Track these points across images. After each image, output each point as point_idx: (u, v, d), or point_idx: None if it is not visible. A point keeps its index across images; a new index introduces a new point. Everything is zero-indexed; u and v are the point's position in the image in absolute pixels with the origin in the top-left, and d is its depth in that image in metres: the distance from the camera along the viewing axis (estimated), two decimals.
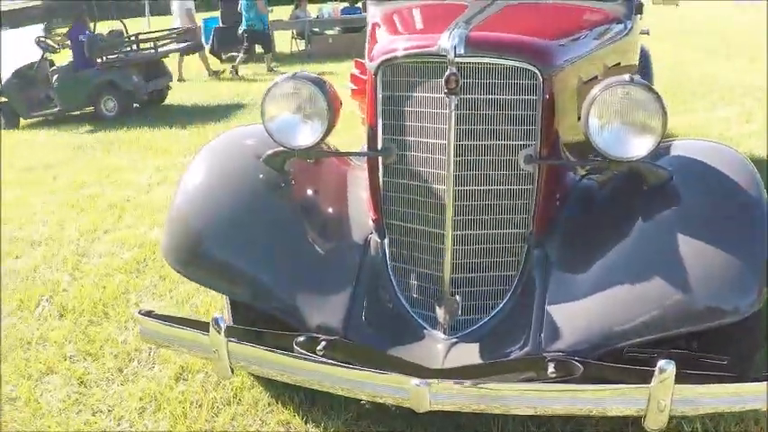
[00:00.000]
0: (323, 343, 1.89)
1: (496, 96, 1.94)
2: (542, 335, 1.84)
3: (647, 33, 3.90)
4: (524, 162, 1.98)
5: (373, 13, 2.80)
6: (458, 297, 1.99)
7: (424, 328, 2.03)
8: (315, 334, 1.92)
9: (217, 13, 13.55)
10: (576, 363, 1.73)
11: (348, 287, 2.03)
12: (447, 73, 1.88)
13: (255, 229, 2.08)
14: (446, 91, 1.89)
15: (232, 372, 1.91)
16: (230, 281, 2.09)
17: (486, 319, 2.02)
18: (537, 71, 1.94)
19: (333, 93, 2.09)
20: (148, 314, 2.02)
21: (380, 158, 2.11)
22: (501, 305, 2.02)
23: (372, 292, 2.06)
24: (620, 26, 2.78)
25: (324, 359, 1.82)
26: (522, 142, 1.98)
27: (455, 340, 1.98)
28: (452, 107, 1.91)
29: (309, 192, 2.25)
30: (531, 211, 2.02)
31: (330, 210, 2.24)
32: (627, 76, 1.84)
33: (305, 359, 1.82)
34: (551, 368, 1.74)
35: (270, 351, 1.85)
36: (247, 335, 1.97)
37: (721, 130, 5.83)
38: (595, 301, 1.82)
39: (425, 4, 2.70)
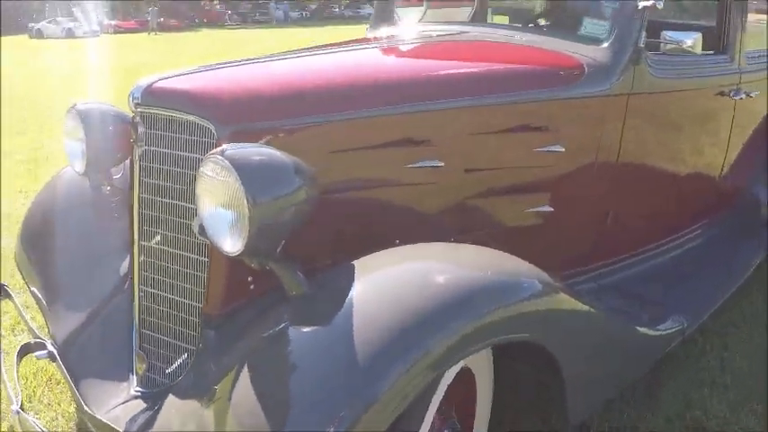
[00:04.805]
0: (45, 351, 2.04)
1: (177, 152, 1.75)
2: (143, 418, 1.67)
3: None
4: (198, 232, 1.74)
5: None
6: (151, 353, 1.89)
7: (131, 372, 2.00)
8: (44, 340, 2.08)
9: None
10: None
11: (91, 306, 2.11)
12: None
13: (64, 236, 2.34)
14: (132, 140, 1.80)
15: None
16: (32, 278, 2.38)
17: (165, 386, 1.88)
18: (212, 128, 1.67)
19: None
20: None
21: None
22: (180, 378, 1.85)
23: (114, 318, 2.09)
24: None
25: None
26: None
27: (137, 393, 1.90)
28: (136, 157, 1.81)
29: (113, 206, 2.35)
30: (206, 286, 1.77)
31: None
32: (221, 148, 1.46)
33: None
34: None
35: None
36: None
37: None
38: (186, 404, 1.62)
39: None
